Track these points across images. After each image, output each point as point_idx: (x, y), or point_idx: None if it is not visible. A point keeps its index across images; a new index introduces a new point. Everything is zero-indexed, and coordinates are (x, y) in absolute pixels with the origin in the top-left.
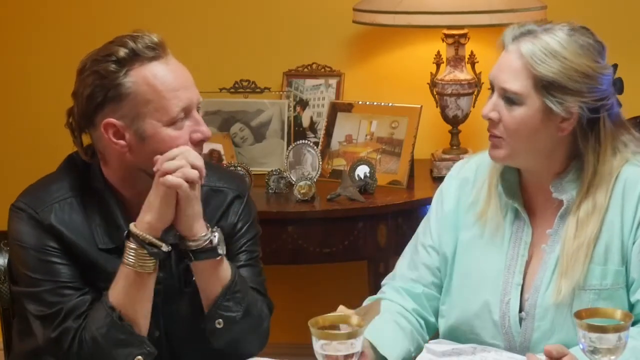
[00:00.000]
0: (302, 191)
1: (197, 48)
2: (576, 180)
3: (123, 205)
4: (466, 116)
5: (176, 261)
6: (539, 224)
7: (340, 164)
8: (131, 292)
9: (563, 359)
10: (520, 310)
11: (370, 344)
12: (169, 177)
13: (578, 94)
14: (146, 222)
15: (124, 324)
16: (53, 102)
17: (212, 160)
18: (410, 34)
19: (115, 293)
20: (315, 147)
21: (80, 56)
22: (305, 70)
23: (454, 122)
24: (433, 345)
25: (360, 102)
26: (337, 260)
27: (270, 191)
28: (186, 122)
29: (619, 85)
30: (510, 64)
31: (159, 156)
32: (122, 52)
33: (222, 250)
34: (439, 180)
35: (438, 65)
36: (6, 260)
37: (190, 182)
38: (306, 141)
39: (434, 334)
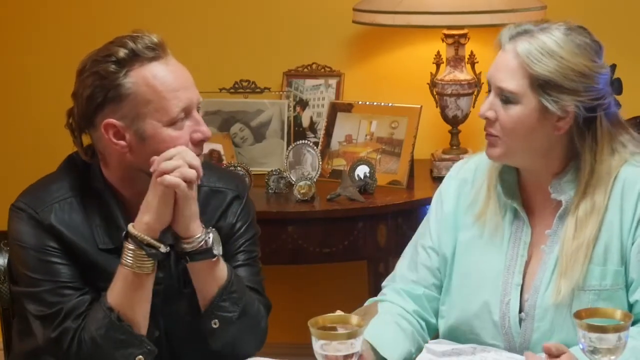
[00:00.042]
0: (302, 191)
1: (197, 48)
2: (574, 181)
3: (123, 206)
4: (466, 116)
5: (175, 262)
6: (538, 224)
7: (340, 164)
8: (129, 293)
9: (562, 356)
10: (520, 311)
11: (371, 345)
12: (167, 177)
13: (574, 93)
14: (144, 222)
15: (123, 325)
16: (53, 102)
17: (212, 160)
18: (410, 34)
19: (114, 294)
20: (315, 147)
21: (80, 56)
22: (305, 70)
23: (454, 122)
24: (433, 345)
25: (360, 102)
26: (337, 260)
27: (270, 191)
28: (186, 122)
29: (617, 86)
30: (506, 64)
31: (155, 157)
32: (122, 52)
33: (217, 251)
34: (438, 180)
35: (438, 66)
36: (6, 260)
37: (188, 182)
38: (306, 141)
39: (435, 335)
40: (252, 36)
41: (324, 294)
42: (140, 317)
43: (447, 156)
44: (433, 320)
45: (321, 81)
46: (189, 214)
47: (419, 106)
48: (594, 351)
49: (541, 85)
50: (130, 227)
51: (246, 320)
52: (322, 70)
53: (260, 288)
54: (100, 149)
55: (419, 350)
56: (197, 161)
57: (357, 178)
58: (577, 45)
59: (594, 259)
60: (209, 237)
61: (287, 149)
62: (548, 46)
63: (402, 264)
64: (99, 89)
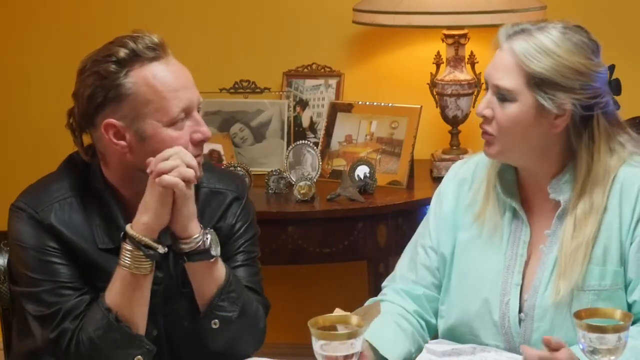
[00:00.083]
0: (302, 191)
1: (197, 48)
2: (572, 181)
3: (123, 206)
4: (466, 116)
5: (174, 262)
6: (537, 224)
7: (340, 164)
8: (127, 294)
9: (560, 350)
10: (520, 311)
11: (371, 345)
12: (166, 177)
13: (570, 90)
14: (142, 223)
15: (121, 325)
16: (53, 102)
17: (212, 161)
18: (410, 34)
19: (112, 294)
20: (315, 148)
21: (80, 56)
22: (305, 70)
23: (454, 123)
24: (433, 345)
25: (360, 103)
26: (336, 261)
27: (270, 191)
28: (186, 122)
29: (616, 86)
30: (503, 62)
31: (151, 158)
32: (123, 52)
33: (215, 251)
34: (438, 180)
35: (438, 66)
36: (6, 260)
37: (187, 181)
38: (306, 141)
39: (434, 335)
40: (252, 36)
41: (324, 294)
42: (139, 317)
43: (447, 156)
44: (433, 321)
45: (321, 81)
46: (187, 213)
47: (419, 106)
48: (593, 351)
49: (537, 83)
50: (128, 227)
51: (245, 320)
52: (322, 70)
53: (259, 288)
54: (100, 148)
55: (419, 350)
56: (194, 161)
57: (357, 178)
58: (574, 44)
59: (593, 259)
60: (207, 238)
61: (287, 149)
62: (544, 44)
63: (402, 264)
64: (100, 88)
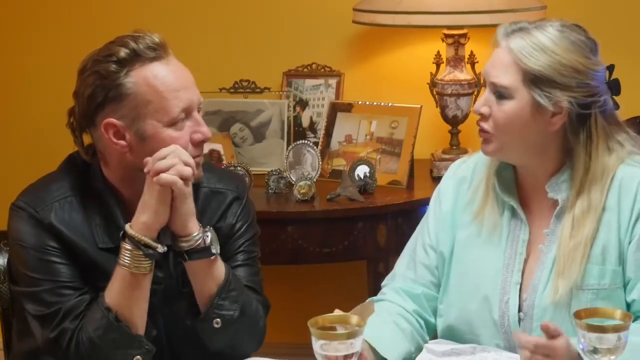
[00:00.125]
0: (302, 191)
1: (197, 48)
2: (570, 180)
3: (123, 205)
4: (466, 116)
5: (174, 262)
6: (536, 223)
7: (340, 164)
8: (127, 293)
9: (558, 337)
10: (519, 310)
11: (370, 346)
12: (164, 175)
13: (567, 88)
14: (142, 222)
15: (121, 325)
16: (53, 102)
17: (212, 160)
18: (410, 34)
19: (111, 294)
20: (315, 147)
21: (80, 56)
22: (305, 70)
23: (454, 122)
24: (433, 345)
25: (360, 102)
26: (336, 260)
27: (270, 191)
28: (187, 122)
29: (614, 86)
30: (501, 60)
31: (148, 158)
32: (123, 52)
33: (215, 249)
34: (438, 180)
35: (438, 65)
36: (6, 260)
37: (185, 179)
38: (306, 141)
39: (433, 334)
40: (252, 36)
41: (324, 294)
42: (138, 317)
43: (447, 156)
44: (432, 320)
45: (321, 81)
46: (185, 211)
47: (419, 106)
48: (593, 351)
49: (534, 80)
50: (127, 227)
51: (245, 320)
52: (322, 70)
53: (259, 287)
54: (100, 148)
55: (419, 350)
56: (191, 158)
57: (357, 178)
58: (571, 42)
59: (592, 258)
60: (207, 236)
61: (287, 149)
62: (541, 42)
63: (401, 263)
64: (100, 88)
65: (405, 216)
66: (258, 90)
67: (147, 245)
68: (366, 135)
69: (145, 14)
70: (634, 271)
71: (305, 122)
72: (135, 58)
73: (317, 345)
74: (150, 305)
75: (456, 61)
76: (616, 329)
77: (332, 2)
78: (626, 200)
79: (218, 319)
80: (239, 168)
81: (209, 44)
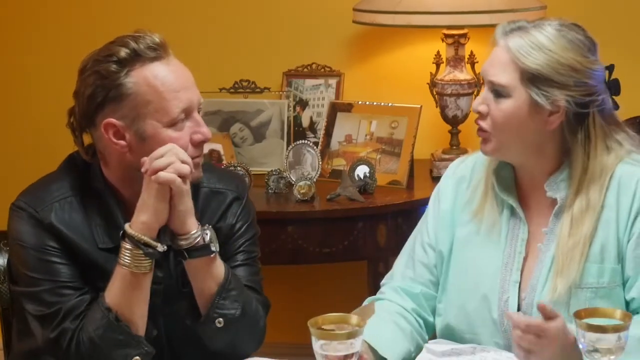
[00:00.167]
0: (302, 191)
1: (197, 48)
2: (569, 179)
3: (123, 205)
4: (466, 116)
5: (175, 262)
6: (534, 221)
7: (340, 164)
8: (127, 293)
9: (555, 319)
10: (518, 309)
11: (370, 346)
12: (162, 174)
13: (564, 87)
14: (141, 222)
15: (121, 325)
16: (53, 102)
17: (212, 160)
18: (410, 34)
19: (112, 294)
20: (315, 147)
21: (80, 56)
22: (305, 70)
23: (454, 122)
24: (432, 345)
25: (360, 102)
26: (336, 260)
27: (270, 191)
28: (187, 123)
29: (614, 86)
30: (498, 58)
31: (145, 158)
32: (124, 52)
33: (214, 247)
34: (438, 180)
35: (438, 65)
36: (6, 260)
37: (182, 177)
38: (306, 141)
39: (433, 334)
40: (252, 36)
41: (324, 294)
42: (138, 317)
43: (447, 156)
44: (431, 319)
45: (321, 81)
46: (183, 209)
47: (419, 106)
48: (593, 351)
49: (531, 78)
50: (127, 226)
51: (245, 320)
52: (322, 70)
53: (259, 287)
54: (100, 148)
55: (418, 349)
56: (188, 157)
57: (357, 178)
58: (569, 41)
59: (591, 257)
60: (206, 234)
61: (287, 149)
62: (539, 41)
63: (400, 262)
64: (100, 88)
65: (405, 216)
66: (258, 90)
67: (147, 245)
68: (366, 135)
69: (145, 14)
70: (633, 269)
71: (305, 122)
72: (136, 58)
73: (317, 345)
74: (151, 305)
75: (456, 61)
76: (616, 329)
77: (332, 2)
78: (625, 199)
79: (220, 319)
80: (238, 168)
81: (209, 44)
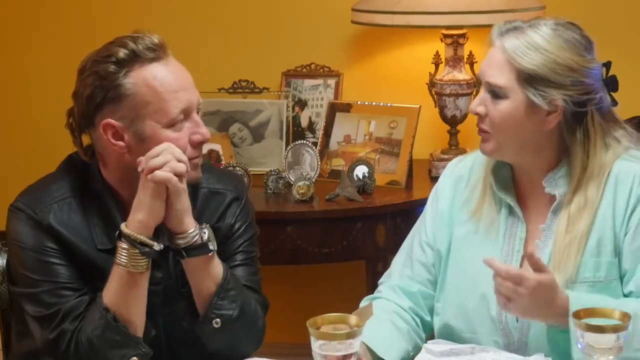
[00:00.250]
0: (301, 191)
1: (196, 48)
2: (568, 176)
3: (122, 206)
4: (465, 116)
5: (174, 262)
6: (532, 220)
7: (338, 164)
8: (125, 292)
9: (544, 272)
10: None
11: (368, 347)
12: (158, 173)
13: (561, 87)
14: (137, 221)
15: (119, 325)
16: (53, 103)
17: (211, 160)
18: (408, 34)
19: (109, 294)
20: (313, 147)
21: (80, 56)
22: (304, 70)
23: (453, 122)
24: (431, 345)
25: (358, 102)
26: (335, 260)
27: (268, 191)
28: (185, 123)
29: (611, 83)
30: (495, 59)
31: (142, 157)
32: (122, 53)
33: (212, 246)
34: (437, 180)
35: (437, 66)
36: (5, 261)
37: (179, 176)
38: (305, 141)
39: (430, 333)
40: (251, 36)
41: (323, 294)
42: (136, 316)
43: (445, 156)
44: (428, 318)
45: (320, 81)
46: (180, 208)
47: (418, 106)
48: (592, 351)
49: (527, 79)
50: (122, 226)
51: (244, 320)
52: (321, 70)
53: (258, 287)
54: (99, 149)
55: (416, 348)
56: (184, 155)
57: (355, 178)
58: (565, 40)
59: (587, 250)
60: (204, 233)
61: (285, 149)
62: (535, 41)
63: (398, 261)
64: (99, 89)
65: (404, 216)
66: (257, 90)
67: (143, 244)
68: (365, 136)
69: (144, 14)
70: (630, 263)
71: (304, 122)
72: (135, 59)
73: (316, 345)
74: (150, 305)
75: (455, 61)
76: (615, 329)
77: (330, 2)
78: (622, 194)
79: (217, 319)
80: (237, 168)
81: (208, 44)
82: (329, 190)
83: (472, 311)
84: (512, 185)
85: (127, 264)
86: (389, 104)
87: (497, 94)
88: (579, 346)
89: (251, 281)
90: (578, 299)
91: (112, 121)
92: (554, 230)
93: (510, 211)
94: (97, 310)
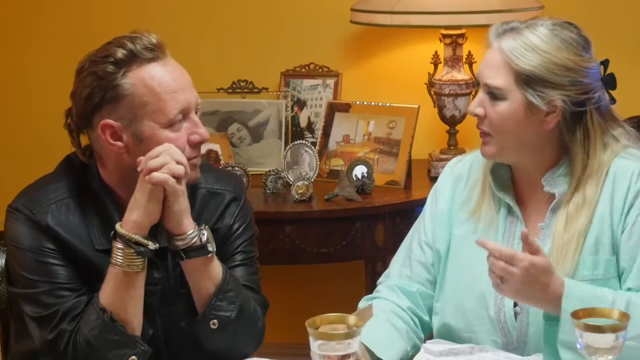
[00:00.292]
0: (300, 191)
1: (195, 48)
2: (568, 175)
3: (120, 207)
4: (463, 116)
5: (173, 263)
6: (531, 219)
7: (337, 164)
8: (121, 292)
9: (538, 254)
10: (515, 305)
11: (366, 347)
12: (155, 174)
13: (559, 87)
14: (132, 220)
15: (116, 325)
16: (52, 103)
17: (210, 161)
18: (407, 34)
19: (106, 294)
20: (312, 147)
21: (79, 56)
22: (303, 70)
23: (452, 122)
24: (430, 345)
25: (357, 102)
26: (334, 260)
27: (267, 191)
28: (184, 124)
29: (609, 81)
30: (493, 61)
31: (142, 157)
32: (120, 53)
33: (211, 247)
34: (436, 180)
35: (436, 66)
36: (3, 261)
37: (177, 177)
38: (304, 141)
39: (429, 333)
40: (250, 36)
41: (322, 294)
42: (133, 316)
43: (444, 156)
44: (426, 318)
45: (319, 81)
46: (178, 209)
47: (417, 106)
48: (591, 351)
49: (526, 80)
50: (117, 226)
51: (243, 321)
52: (320, 70)
53: (257, 287)
54: (97, 149)
55: (415, 348)
56: (183, 157)
57: (354, 178)
58: (562, 40)
59: (585, 248)
60: (203, 234)
61: (284, 149)
62: (532, 42)
63: (397, 261)
64: (97, 89)
65: (403, 216)
66: (256, 90)
67: (138, 243)
68: (364, 136)
69: (143, 14)
70: (627, 261)
71: (303, 122)
72: (133, 59)
73: (315, 345)
74: (148, 306)
75: (454, 61)
76: (614, 329)
77: (329, 2)
78: (619, 191)
79: (215, 320)
80: (236, 168)
81: (207, 44)
82: (328, 190)
83: (470, 311)
84: (511, 184)
85: (122, 263)
86: (388, 104)
87: (495, 95)
88: (578, 346)
89: (250, 281)
90: (573, 286)
91: (111, 121)
92: (553, 229)
93: (509, 211)
94: (94, 310)
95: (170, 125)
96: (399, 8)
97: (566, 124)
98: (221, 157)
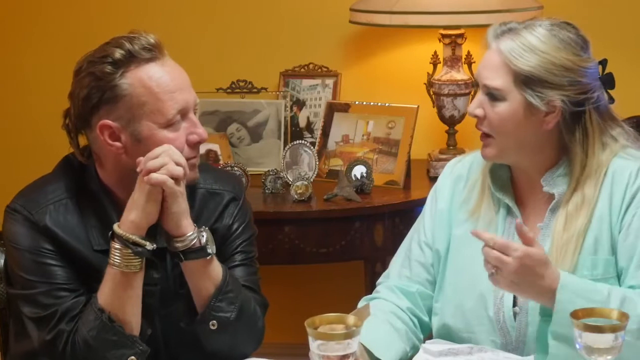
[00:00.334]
0: (299, 191)
1: (194, 48)
2: (567, 175)
3: (118, 207)
4: (463, 116)
5: (172, 263)
6: (530, 219)
7: (337, 164)
8: (119, 293)
9: (533, 246)
10: (514, 305)
11: (365, 348)
12: (154, 175)
13: (558, 87)
14: (130, 221)
15: (114, 326)
16: (51, 103)
17: (209, 161)
18: (407, 34)
19: (104, 295)
20: (312, 147)
21: (77, 57)
22: (302, 70)
23: (451, 122)
24: (429, 345)
25: (357, 102)
26: (334, 260)
27: (267, 191)
28: (182, 124)
29: (608, 80)
30: (491, 61)
31: (141, 158)
32: (118, 53)
33: (211, 249)
34: (435, 180)
35: (435, 66)
36: (2, 262)
37: (175, 178)
38: (303, 141)
39: (428, 334)
40: (249, 36)
41: (321, 294)
42: (131, 316)
43: (443, 156)
44: (426, 319)
45: (318, 81)
46: (177, 210)
47: (416, 106)
48: (590, 351)
49: (524, 81)
50: (115, 226)
51: (243, 321)
52: (319, 70)
53: (256, 287)
54: (95, 150)
55: (414, 349)
56: (182, 159)
57: (354, 178)
58: (560, 40)
59: (585, 249)
60: (202, 236)
61: (284, 149)
62: (530, 42)
63: (396, 261)
64: (95, 89)
65: (402, 216)
66: (255, 90)
67: (135, 243)
68: (363, 136)
69: (143, 14)
70: (625, 259)
71: (302, 122)
72: (131, 59)
73: (314, 345)
74: (148, 306)
75: (453, 61)
76: (613, 329)
77: (329, 2)
78: (618, 191)
79: (214, 321)
80: (235, 168)
81: (206, 44)
82: (327, 190)
83: (470, 311)
84: (510, 185)
85: (120, 264)
86: (387, 104)
87: (494, 96)
88: (577, 346)
89: (250, 281)
90: (569, 279)
91: (109, 122)
92: (552, 229)
93: (509, 211)
94: (93, 311)
95: (169, 125)
96: (398, 8)
97: (565, 124)
98: (220, 157)
